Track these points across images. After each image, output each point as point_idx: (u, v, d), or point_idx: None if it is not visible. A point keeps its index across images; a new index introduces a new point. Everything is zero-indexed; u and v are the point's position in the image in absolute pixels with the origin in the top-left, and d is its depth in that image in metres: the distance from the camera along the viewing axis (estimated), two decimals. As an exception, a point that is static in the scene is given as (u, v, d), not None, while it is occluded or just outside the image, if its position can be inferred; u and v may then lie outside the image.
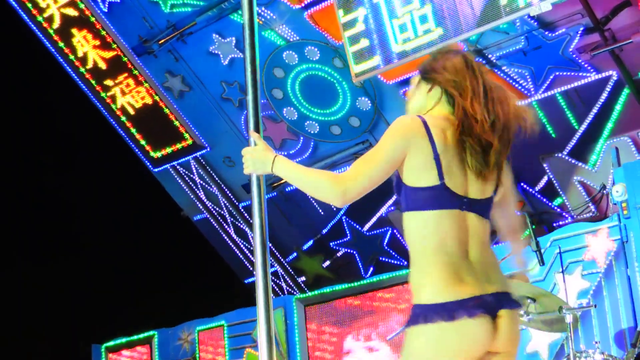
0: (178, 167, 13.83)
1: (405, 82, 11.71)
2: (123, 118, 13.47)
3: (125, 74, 13.15)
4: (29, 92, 15.09)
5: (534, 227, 7.42)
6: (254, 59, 4.07)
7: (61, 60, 13.36)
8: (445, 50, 4.29)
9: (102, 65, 13.19)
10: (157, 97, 13.15)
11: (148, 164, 13.75)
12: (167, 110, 13.18)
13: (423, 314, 3.97)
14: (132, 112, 13.36)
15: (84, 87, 13.44)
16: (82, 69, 13.32)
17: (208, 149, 13.38)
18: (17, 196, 15.21)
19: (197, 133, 13.30)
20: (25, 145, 15.13)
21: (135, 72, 13.06)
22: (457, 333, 3.84)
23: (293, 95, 12.55)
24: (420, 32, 10.31)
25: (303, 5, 11.87)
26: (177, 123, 13.24)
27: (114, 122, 13.57)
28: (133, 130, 13.53)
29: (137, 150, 13.70)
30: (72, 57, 13.25)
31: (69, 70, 13.38)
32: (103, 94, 13.38)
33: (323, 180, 3.95)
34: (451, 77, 4.12)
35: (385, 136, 3.95)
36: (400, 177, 3.98)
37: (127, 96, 13.25)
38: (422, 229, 3.99)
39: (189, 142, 13.33)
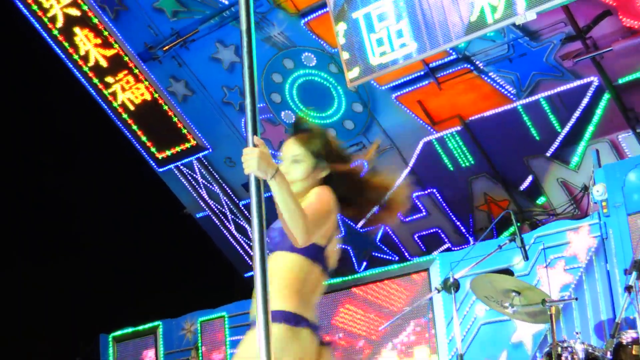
0: (181, 167, 13.83)
1: (398, 87, 11.72)
2: (125, 115, 13.45)
3: (125, 72, 13.14)
4: (29, 92, 15.01)
5: (518, 224, 7.43)
6: (252, 65, 4.06)
7: (65, 59, 13.32)
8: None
9: (103, 63, 13.17)
10: (156, 95, 13.14)
11: (153, 163, 13.75)
12: (166, 108, 13.19)
13: None
14: (132, 107, 13.34)
15: (87, 85, 13.42)
16: (85, 68, 13.29)
17: (210, 150, 13.39)
18: (20, 194, 15.16)
19: (199, 135, 13.30)
20: (27, 144, 15.04)
21: (136, 70, 13.05)
22: None
23: (290, 99, 12.55)
24: (409, 41, 10.32)
25: (300, 13, 11.87)
26: (180, 125, 13.25)
27: (117, 121, 13.55)
28: (134, 127, 13.51)
29: (142, 151, 13.69)
30: (75, 56, 13.23)
31: (73, 69, 13.34)
32: (105, 92, 13.36)
33: (302, 221, 4.10)
34: None
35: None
36: None
37: (127, 92, 13.24)
38: None
39: (192, 143, 13.34)
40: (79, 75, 13.38)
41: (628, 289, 7.21)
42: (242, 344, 4.46)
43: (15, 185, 15.08)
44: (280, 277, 4.31)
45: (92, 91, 13.45)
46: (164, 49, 12.87)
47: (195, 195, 14.01)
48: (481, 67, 11.16)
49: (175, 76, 13.17)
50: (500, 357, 9.35)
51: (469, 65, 11.22)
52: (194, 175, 13.84)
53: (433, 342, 9.94)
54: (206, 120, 13.25)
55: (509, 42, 10.78)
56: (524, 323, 8.27)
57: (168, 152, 13.54)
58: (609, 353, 6.73)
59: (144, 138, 13.56)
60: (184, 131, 13.27)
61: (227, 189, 13.76)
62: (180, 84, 13.19)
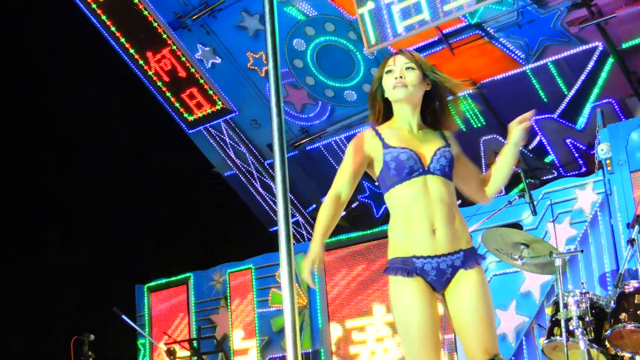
0: (210, 129, 13.82)
1: (413, 52, 11.64)
2: (159, 83, 13.44)
3: (165, 47, 13.14)
4: (29, 91, 14.99)
5: (528, 181, 7.39)
6: (274, 32, 4.04)
7: (103, 31, 13.28)
8: None
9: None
10: (192, 70, 13.14)
11: (184, 126, 13.75)
12: (201, 81, 13.19)
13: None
14: (165, 75, 13.34)
15: (124, 56, 13.40)
16: (122, 39, 13.27)
17: (237, 113, 13.37)
18: (71, 152, 15.20)
19: (227, 98, 13.28)
20: (65, 113, 15.05)
21: (174, 46, 13.05)
22: None
23: (312, 64, 12.50)
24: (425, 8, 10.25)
25: (321, -17, 11.80)
26: (209, 90, 13.24)
27: (152, 88, 13.54)
28: (168, 93, 13.50)
29: (174, 114, 13.69)
30: (113, 28, 13.20)
31: (111, 40, 13.31)
32: (141, 62, 13.34)
33: None
34: None
35: None
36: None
37: (161, 62, 13.25)
38: None
39: (220, 106, 13.33)
40: (117, 47, 13.35)
41: (630, 242, 7.17)
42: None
43: (64, 150, 15.14)
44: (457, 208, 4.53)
45: (129, 61, 13.42)
46: (193, 18, 12.83)
47: (223, 155, 14.01)
48: (492, 33, 11.07)
49: (203, 43, 13.12)
50: (510, 306, 9.34)
51: (480, 32, 11.14)
52: (222, 136, 13.83)
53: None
54: (233, 85, 13.22)
55: (518, 9, 10.69)
56: (532, 274, 8.24)
57: (198, 115, 13.54)
58: (612, 302, 6.71)
59: (176, 104, 13.55)
60: (212, 95, 13.27)
61: (253, 149, 13.74)
62: (208, 50, 13.15)
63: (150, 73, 13.40)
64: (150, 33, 13.11)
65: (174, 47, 13.09)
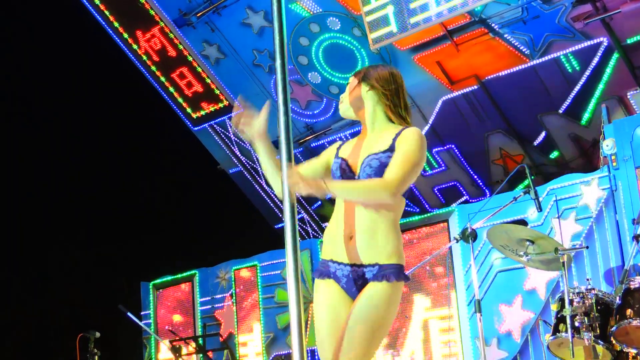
0: (215, 126, 13.83)
1: (418, 49, 11.65)
2: (163, 79, 13.47)
3: (162, 37, 13.17)
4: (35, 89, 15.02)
5: (533, 177, 7.39)
6: (281, 29, 4.05)
7: (106, 27, 13.30)
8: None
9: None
10: (199, 69, 13.18)
11: (189, 123, 13.77)
12: (200, 70, 13.21)
13: (403, 273, 4.27)
14: (169, 72, 13.40)
15: (127, 51, 13.41)
16: (125, 35, 13.30)
17: (241, 110, 13.33)
18: (73, 157, 15.23)
19: (231, 95, 13.30)
20: (76, 114, 15.09)
21: (180, 46, 13.08)
22: None
23: (317, 61, 12.49)
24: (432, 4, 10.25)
25: (325, -20, 11.80)
26: (213, 87, 13.25)
27: (156, 85, 13.55)
28: (171, 89, 13.53)
29: (179, 111, 13.70)
30: (116, 23, 13.22)
31: (113, 35, 13.34)
32: (144, 57, 13.36)
33: (373, 186, 4.21)
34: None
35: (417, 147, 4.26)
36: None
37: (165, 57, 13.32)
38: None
39: (225, 103, 13.35)
40: (119, 41, 13.37)
41: (636, 237, 7.18)
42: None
43: (65, 149, 15.16)
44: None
45: (132, 56, 13.44)
46: (198, 15, 12.83)
47: (228, 152, 14.02)
48: (496, 29, 11.06)
49: (208, 41, 13.13)
50: (516, 303, 9.35)
51: (484, 27, 11.13)
52: (227, 133, 13.84)
53: (452, 289, 9.93)
54: (238, 82, 13.22)
55: (522, 5, 10.68)
56: (537, 270, 8.23)
57: (202, 112, 13.55)
58: (618, 298, 6.71)
59: (180, 100, 13.57)
60: (217, 92, 13.29)
61: (258, 146, 13.72)
62: (213, 48, 13.15)
63: (154, 68, 13.41)
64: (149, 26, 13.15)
65: (181, 47, 13.12)
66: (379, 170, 4.24)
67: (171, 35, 13.07)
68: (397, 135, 4.33)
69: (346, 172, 4.36)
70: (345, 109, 4.62)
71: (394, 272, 4.19)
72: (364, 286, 4.22)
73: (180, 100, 13.58)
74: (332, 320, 4.24)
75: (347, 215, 4.30)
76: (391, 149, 4.28)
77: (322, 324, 4.26)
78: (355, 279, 4.24)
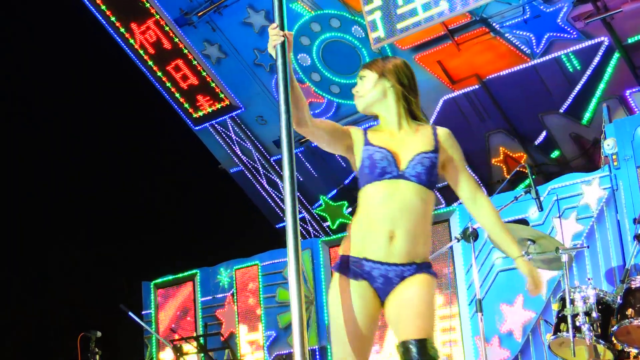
0: (216, 125, 13.84)
1: (419, 48, 11.66)
2: (168, 84, 13.49)
3: (164, 38, 13.19)
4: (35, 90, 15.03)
5: (534, 177, 7.39)
6: (282, 29, 4.06)
7: (111, 30, 13.32)
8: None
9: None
10: (204, 73, 13.19)
11: (190, 123, 13.78)
12: (201, 70, 13.22)
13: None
14: (173, 74, 13.38)
15: (133, 56, 13.44)
16: (131, 40, 13.31)
17: (242, 109, 13.38)
18: (74, 157, 15.23)
19: (232, 95, 13.30)
20: (73, 114, 15.09)
21: (185, 50, 13.10)
22: None
23: (318, 60, 12.50)
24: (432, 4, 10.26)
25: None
26: (214, 86, 13.26)
27: (160, 87, 13.57)
28: (177, 94, 13.55)
29: (180, 112, 13.71)
30: (122, 29, 13.24)
31: (116, 37, 13.35)
32: (150, 62, 13.39)
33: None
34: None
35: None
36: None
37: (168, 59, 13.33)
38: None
39: (226, 103, 13.35)
40: (116, 36, 13.37)
41: (637, 237, 7.19)
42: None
43: (64, 149, 15.16)
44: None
45: (138, 62, 13.46)
46: (199, 14, 12.84)
47: (229, 151, 14.02)
48: (497, 29, 11.07)
49: (209, 40, 13.14)
50: (517, 302, 9.35)
51: (486, 27, 11.13)
52: (228, 132, 13.85)
53: (453, 288, 9.94)
54: (239, 81, 13.23)
55: (523, 5, 10.69)
56: (538, 270, 8.23)
57: (203, 112, 13.56)
58: (619, 297, 6.71)
59: (177, 95, 13.58)
60: (218, 91, 13.29)
61: (259, 145, 13.75)
62: (214, 47, 13.16)
63: (159, 74, 13.43)
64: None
65: (185, 51, 13.13)
66: (430, 170, 4.26)
67: (167, 28, 13.07)
68: (435, 135, 4.39)
69: (391, 165, 4.27)
70: (367, 104, 4.56)
71: (430, 270, 4.27)
72: (399, 284, 4.19)
73: (177, 95, 13.55)
74: (364, 323, 4.15)
75: (390, 214, 4.20)
76: (436, 150, 4.32)
77: (353, 326, 4.14)
78: (392, 278, 4.19)
